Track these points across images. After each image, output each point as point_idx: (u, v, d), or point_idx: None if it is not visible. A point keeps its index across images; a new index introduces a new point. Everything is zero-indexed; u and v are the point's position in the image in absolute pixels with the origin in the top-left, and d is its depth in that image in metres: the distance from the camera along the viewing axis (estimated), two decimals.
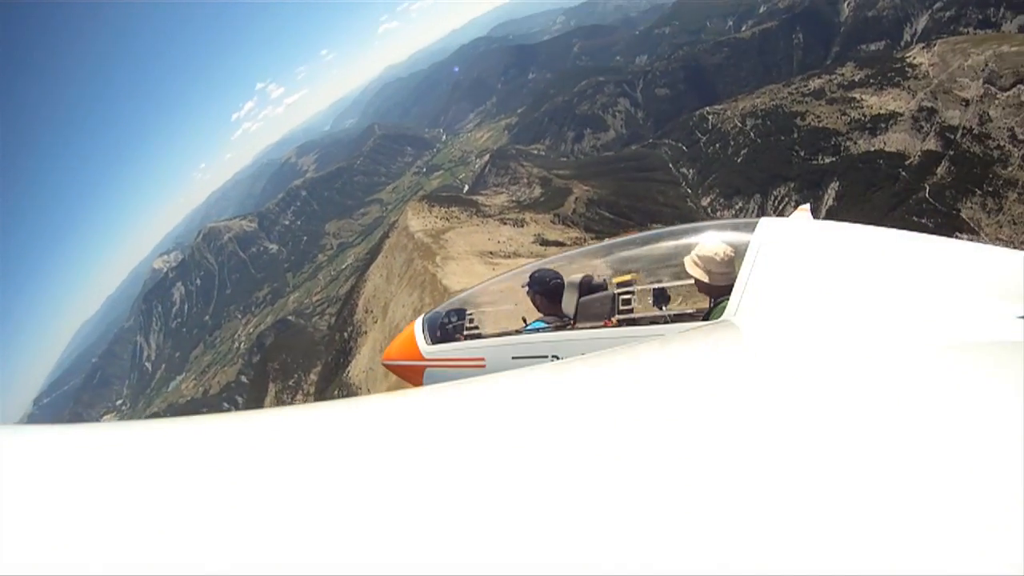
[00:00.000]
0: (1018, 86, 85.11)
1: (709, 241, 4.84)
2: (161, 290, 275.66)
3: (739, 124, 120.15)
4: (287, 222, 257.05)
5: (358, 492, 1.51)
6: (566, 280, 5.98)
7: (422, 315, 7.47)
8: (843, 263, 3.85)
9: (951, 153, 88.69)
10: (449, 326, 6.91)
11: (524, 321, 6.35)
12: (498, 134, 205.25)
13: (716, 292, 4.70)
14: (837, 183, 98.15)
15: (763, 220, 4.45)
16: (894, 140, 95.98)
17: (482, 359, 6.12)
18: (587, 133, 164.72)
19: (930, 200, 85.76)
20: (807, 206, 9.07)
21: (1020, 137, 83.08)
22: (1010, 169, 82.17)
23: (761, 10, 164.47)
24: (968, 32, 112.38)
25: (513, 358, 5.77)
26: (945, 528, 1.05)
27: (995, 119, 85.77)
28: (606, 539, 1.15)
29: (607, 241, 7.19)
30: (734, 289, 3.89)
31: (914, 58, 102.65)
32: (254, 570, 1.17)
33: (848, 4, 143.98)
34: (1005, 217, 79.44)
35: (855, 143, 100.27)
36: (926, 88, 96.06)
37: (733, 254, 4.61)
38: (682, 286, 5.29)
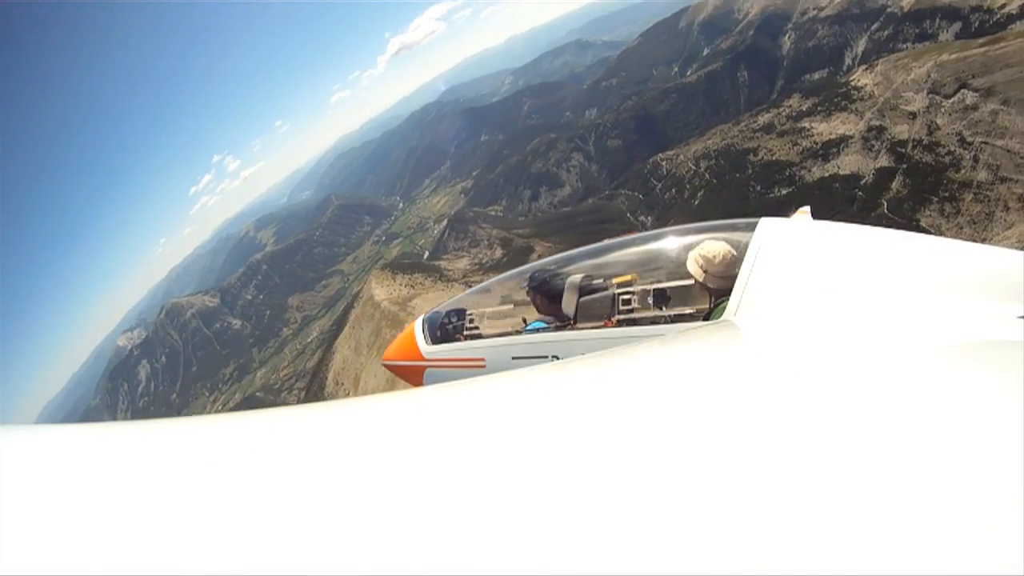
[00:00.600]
0: (961, 91, 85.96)
1: (711, 241, 4.82)
2: (126, 368, 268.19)
3: (693, 167, 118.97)
4: (249, 296, 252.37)
5: (358, 492, 1.51)
6: (566, 280, 5.97)
7: (422, 315, 7.54)
8: (843, 263, 3.90)
9: (904, 166, 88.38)
10: (449, 326, 7.00)
11: (524, 321, 6.37)
12: (454, 198, 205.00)
13: (716, 292, 4.68)
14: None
15: (763, 220, 4.53)
16: (847, 163, 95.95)
17: (482, 359, 6.18)
18: (543, 191, 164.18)
19: (889, 215, 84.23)
20: (807, 208, 8.39)
21: (969, 140, 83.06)
22: (963, 172, 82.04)
23: (704, 53, 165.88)
24: (907, 47, 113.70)
25: (513, 358, 5.84)
26: (945, 528, 1.04)
27: (943, 127, 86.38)
28: (607, 539, 1.14)
29: (607, 241, 6.78)
30: (734, 289, 3.94)
31: (858, 80, 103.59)
32: (254, 570, 1.16)
33: (788, 37, 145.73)
34: (964, 218, 79.77)
35: (809, 171, 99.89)
36: (873, 108, 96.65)
37: (735, 254, 4.59)
38: (682, 286, 5.19)
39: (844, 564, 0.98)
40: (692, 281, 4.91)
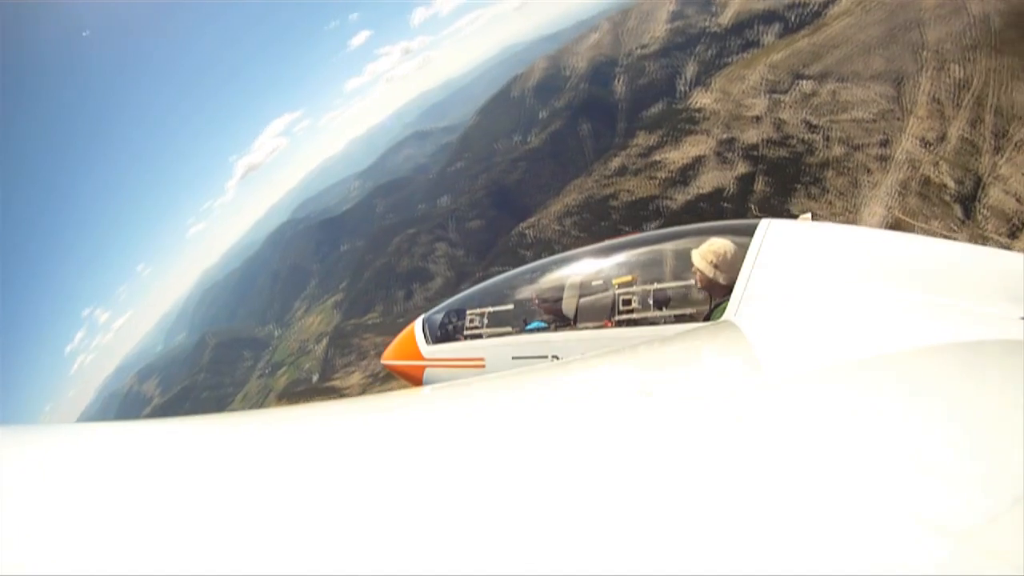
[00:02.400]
0: (798, 82, 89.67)
1: (719, 239, 4.90)
2: None
3: (558, 227, 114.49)
4: None
5: (359, 491, 1.51)
6: (566, 280, 6.11)
7: (422, 315, 7.57)
8: (844, 264, 3.91)
9: (762, 167, 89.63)
10: (449, 326, 7.06)
11: (524, 321, 6.34)
12: (329, 315, 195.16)
13: (717, 292, 4.76)
14: None
15: (764, 221, 4.53)
16: (707, 181, 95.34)
17: (482, 359, 6.27)
18: (416, 287, 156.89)
19: (760, 215, 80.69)
20: (809, 215, 6.38)
21: (816, 124, 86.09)
22: (818, 154, 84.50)
23: (542, 116, 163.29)
24: (736, 59, 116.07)
25: (513, 358, 5.92)
26: (947, 528, 1.03)
27: (788, 120, 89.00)
28: (608, 539, 1.14)
29: (607, 241, 6.65)
30: (735, 289, 4.02)
31: (697, 102, 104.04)
32: (255, 569, 1.16)
33: (619, 81, 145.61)
34: (832, 195, 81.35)
35: (673, 199, 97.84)
36: (718, 123, 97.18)
37: (725, 250, 4.72)
38: (682, 287, 5.29)
39: (848, 564, 0.97)
40: (692, 281, 4.97)
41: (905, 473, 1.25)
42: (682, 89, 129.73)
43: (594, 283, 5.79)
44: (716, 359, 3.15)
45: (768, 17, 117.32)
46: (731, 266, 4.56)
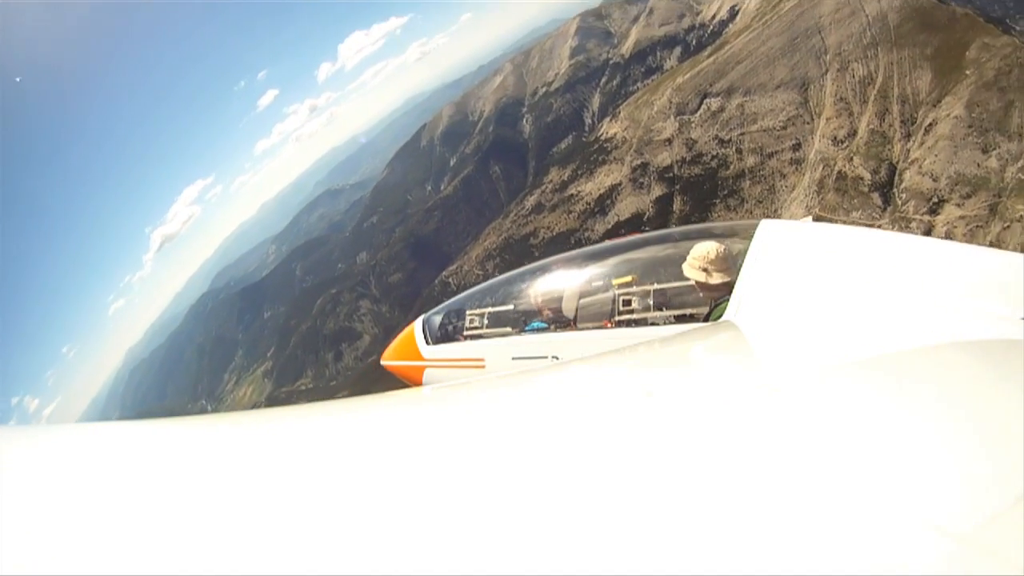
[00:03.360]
0: (705, 101, 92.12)
1: (699, 245, 4.93)
2: None
3: (480, 271, 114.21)
4: None
5: (359, 491, 1.53)
6: (566, 281, 6.15)
7: (422, 316, 7.51)
8: (844, 264, 3.95)
9: (677, 187, 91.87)
10: (449, 327, 7.04)
11: (524, 321, 6.31)
12: (260, 384, 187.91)
13: (717, 293, 4.78)
14: None
15: (764, 222, 4.69)
16: (625, 207, 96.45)
17: (482, 359, 6.23)
18: (344, 347, 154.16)
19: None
20: (809, 217, 5.03)
21: (726, 139, 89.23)
22: (732, 167, 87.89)
23: (453, 163, 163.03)
24: (640, 86, 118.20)
25: (513, 358, 5.89)
26: (947, 528, 1.04)
27: (699, 138, 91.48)
28: (608, 539, 1.15)
29: (607, 243, 6.91)
30: (735, 290, 3.97)
31: (607, 133, 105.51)
32: (255, 570, 1.17)
33: (526, 120, 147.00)
34: (750, 203, 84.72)
35: (593, 229, 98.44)
36: (630, 150, 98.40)
37: (726, 251, 4.76)
38: (682, 287, 5.28)
39: (849, 564, 0.98)
40: (692, 282, 4.94)
41: (905, 473, 1.26)
42: (590, 122, 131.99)
43: (594, 284, 5.82)
44: (716, 359, 3.20)
45: (668, 42, 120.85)
46: (721, 265, 4.67)
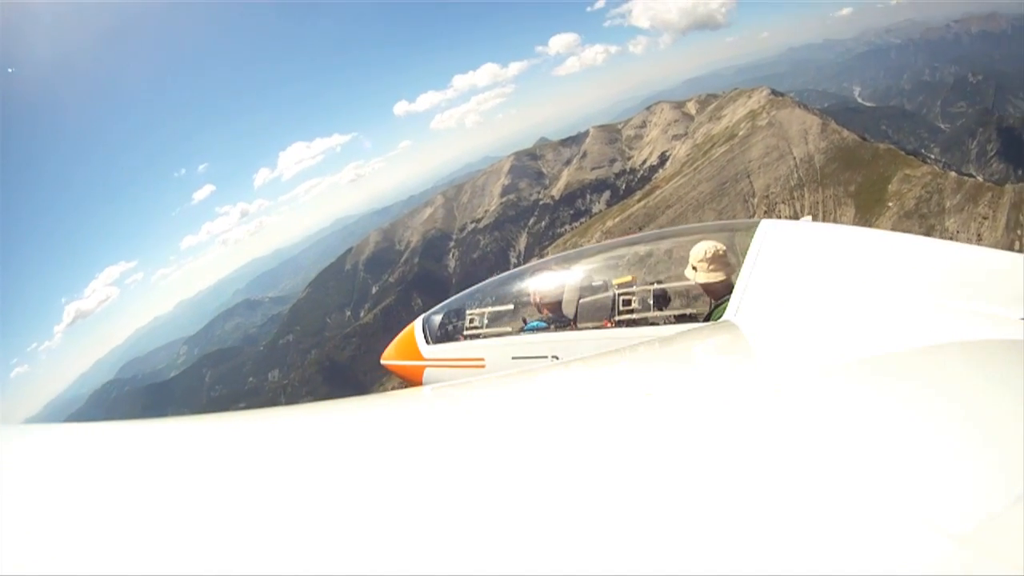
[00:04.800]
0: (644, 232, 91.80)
1: (699, 245, 4.95)
2: None
3: None
4: None
5: (359, 492, 1.54)
6: (566, 280, 6.12)
7: (422, 315, 7.46)
8: (844, 264, 3.97)
9: None
10: (449, 326, 7.01)
11: (524, 321, 6.31)
12: None
13: (717, 293, 4.81)
14: None
15: (764, 222, 4.56)
16: None
17: (482, 359, 6.20)
18: None
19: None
20: (809, 217, 8.67)
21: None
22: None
23: (374, 290, 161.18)
24: (568, 228, 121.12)
25: (513, 358, 5.87)
26: (947, 528, 1.05)
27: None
28: (608, 539, 1.16)
29: (608, 241, 7.24)
30: (735, 290, 3.99)
31: None
32: (255, 570, 1.18)
33: (452, 255, 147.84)
34: None
35: None
36: None
37: (726, 251, 4.80)
38: (682, 287, 5.31)
39: (847, 564, 1.00)
40: (692, 282, 4.97)
41: (905, 473, 1.28)
42: (515, 261, 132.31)
43: (594, 283, 5.83)
44: (716, 359, 3.21)
45: (598, 186, 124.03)
46: (720, 264, 4.70)
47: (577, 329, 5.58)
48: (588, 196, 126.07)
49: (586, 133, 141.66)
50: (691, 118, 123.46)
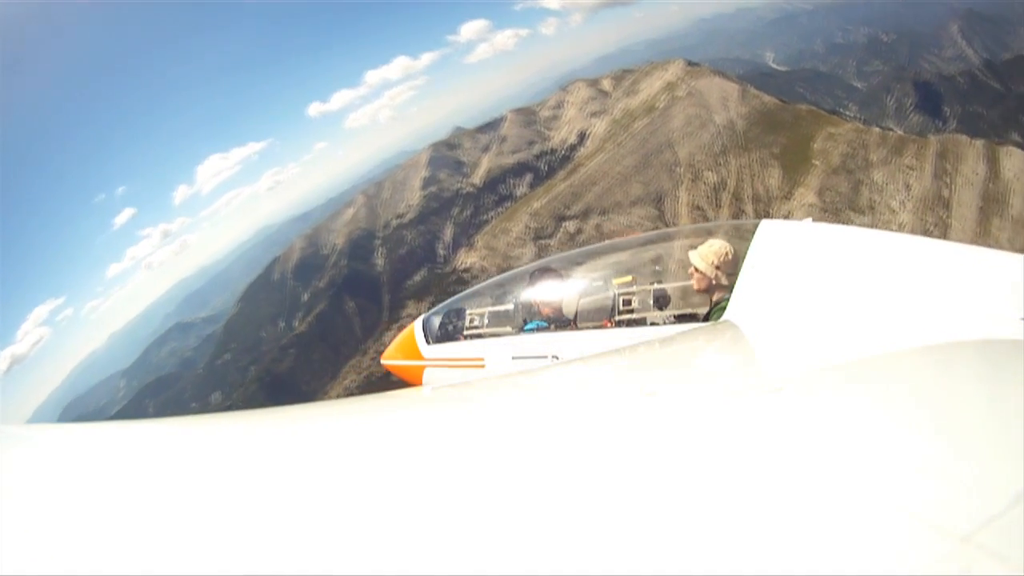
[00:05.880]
0: (560, 224, 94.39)
1: (715, 241, 4.92)
2: None
3: None
4: None
5: (359, 490, 1.54)
6: (566, 280, 6.18)
7: (422, 315, 7.50)
8: (844, 264, 3.95)
9: None
10: (449, 326, 7.00)
11: (524, 321, 6.28)
12: None
13: (717, 293, 4.80)
14: None
15: (764, 222, 4.59)
16: None
17: (482, 359, 6.22)
18: None
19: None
20: (810, 218, 6.05)
21: None
22: None
23: (305, 298, 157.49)
24: (494, 214, 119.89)
25: (513, 358, 5.86)
26: (947, 528, 1.05)
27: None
28: (610, 539, 1.16)
29: (608, 241, 7.11)
30: (735, 290, 4.07)
31: (464, 263, 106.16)
32: (256, 569, 1.17)
33: (380, 253, 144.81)
34: None
35: None
36: (488, 279, 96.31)
37: (736, 254, 4.72)
38: (682, 287, 5.30)
39: (847, 564, 0.99)
40: (692, 282, 4.93)
41: (905, 473, 1.27)
42: (443, 253, 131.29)
43: (594, 283, 5.78)
44: (716, 359, 3.27)
45: (519, 169, 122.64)
46: (732, 266, 4.57)
47: (577, 329, 5.50)
48: (510, 180, 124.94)
49: (503, 118, 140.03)
50: (607, 95, 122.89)
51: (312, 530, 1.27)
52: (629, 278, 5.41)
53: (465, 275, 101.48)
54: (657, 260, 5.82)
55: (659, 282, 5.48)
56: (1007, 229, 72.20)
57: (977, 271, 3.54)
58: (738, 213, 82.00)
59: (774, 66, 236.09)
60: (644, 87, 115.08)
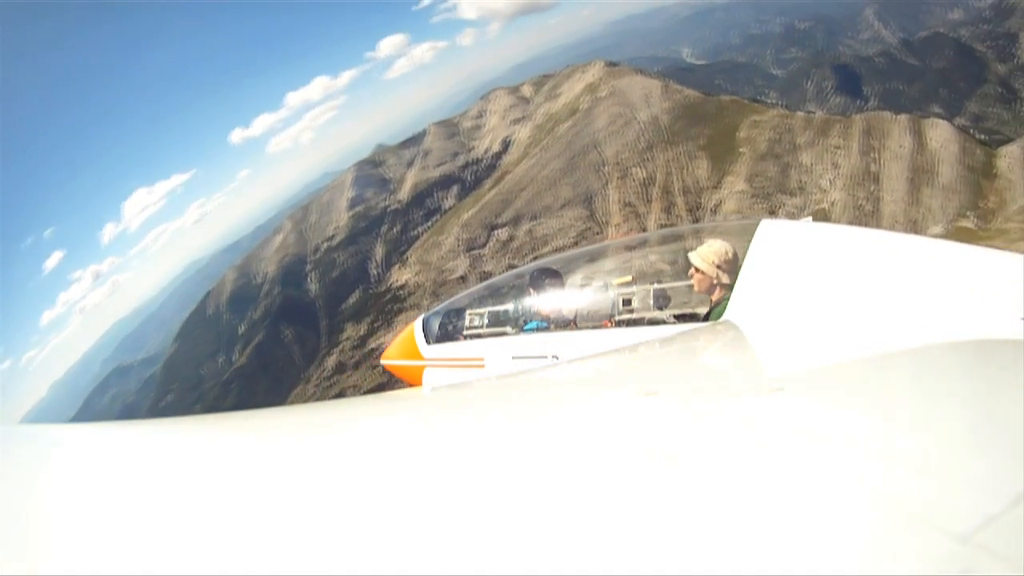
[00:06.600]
0: (492, 233, 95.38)
1: (716, 241, 4.92)
2: None
3: None
4: None
5: (359, 490, 1.55)
6: (566, 280, 6.19)
7: (421, 315, 7.47)
8: (844, 264, 3.92)
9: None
10: (448, 326, 7.02)
11: (524, 321, 6.27)
12: None
13: (717, 293, 4.81)
14: None
15: (764, 222, 4.54)
16: None
17: (482, 359, 6.22)
18: None
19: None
20: (809, 217, 6.67)
21: (518, 264, 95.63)
22: None
23: (241, 330, 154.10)
24: (423, 229, 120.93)
25: (513, 358, 5.86)
26: (947, 528, 1.05)
27: (492, 270, 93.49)
28: (610, 539, 1.17)
29: (608, 241, 8.13)
30: (735, 290, 4.06)
31: (398, 280, 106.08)
32: (256, 569, 1.18)
33: (312, 277, 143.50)
34: None
35: None
36: (425, 294, 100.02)
37: (736, 255, 4.75)
38: (682, 287, 5.26)
39: (847, 564, 1.00)
40: (692, 282, 4.92)
41: (905, 473, 1.27)
42: (376, 272, 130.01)
43: (594, 283, 5.80)
44: (716, 359, 3.27)
45: (445, 182, 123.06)
46: (733, 266, 4.58)
47: (577, 329, 5.51)
48: (437, 194, 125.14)
49: (425, 132, 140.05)
50: (528, 101, 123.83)
51: (312, 530, 1.28)
52: (629, 278, 5.36)
53: (401, 292, 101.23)
54: (658, 260, 5.79)
55: (659, 282, 5.37)
56: (938, 197, 73.57)
57: (977, 271, 3.43)
58: (669, 206, 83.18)
59: (692, 61, 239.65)
60: (565, 90, 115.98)
